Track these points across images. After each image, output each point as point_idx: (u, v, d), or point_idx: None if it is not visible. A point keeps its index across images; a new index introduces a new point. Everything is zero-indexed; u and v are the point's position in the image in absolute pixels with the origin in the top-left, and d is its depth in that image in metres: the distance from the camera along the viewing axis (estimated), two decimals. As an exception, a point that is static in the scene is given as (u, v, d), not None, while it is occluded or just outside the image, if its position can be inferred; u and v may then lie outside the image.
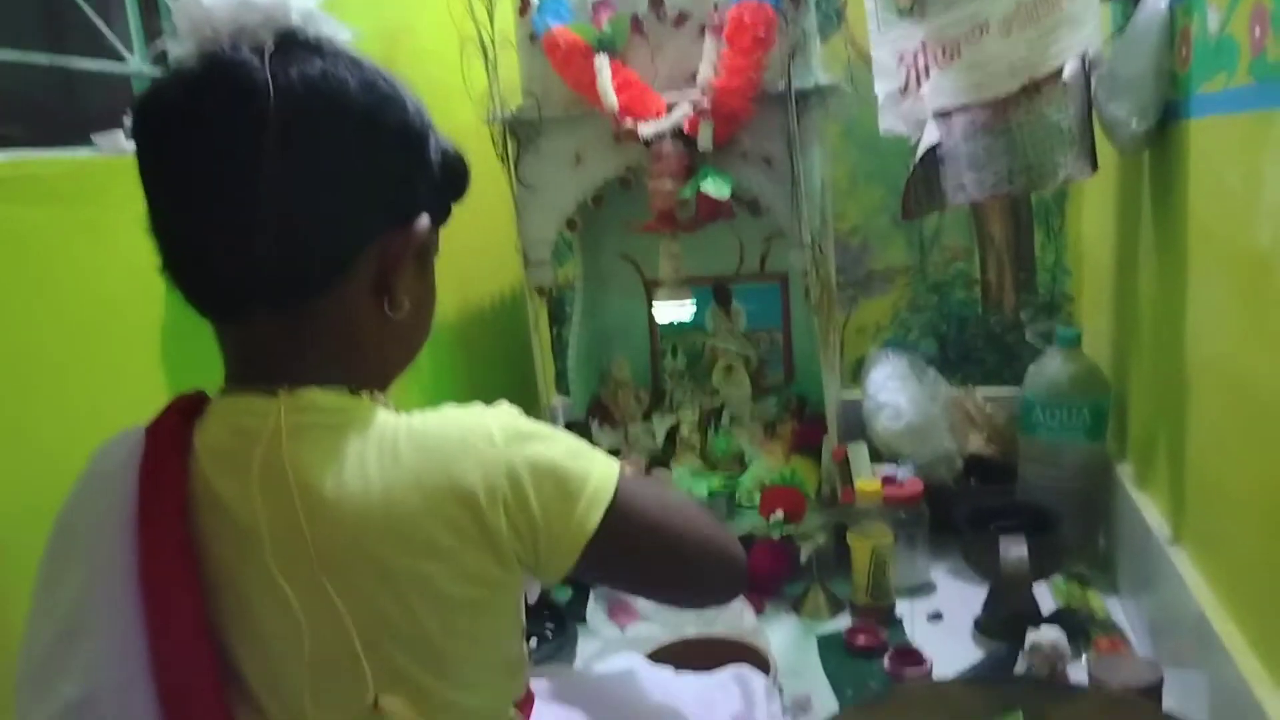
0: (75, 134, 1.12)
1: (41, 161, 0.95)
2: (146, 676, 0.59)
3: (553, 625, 1.55)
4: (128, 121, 1.09)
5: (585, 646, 1.53)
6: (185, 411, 0.66)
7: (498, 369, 2.05)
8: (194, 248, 0.63)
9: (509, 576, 0.64)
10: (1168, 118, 1.28)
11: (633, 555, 0.71)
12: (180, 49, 0.62)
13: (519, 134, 1.71)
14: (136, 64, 1.20)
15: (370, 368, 0.69)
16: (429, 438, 0.64)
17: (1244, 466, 1.05)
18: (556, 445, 0.67)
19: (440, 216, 0.73)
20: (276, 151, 0.59)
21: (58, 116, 1.15)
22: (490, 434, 0.64)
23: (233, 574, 0.62)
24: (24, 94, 1.12)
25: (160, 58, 1.26)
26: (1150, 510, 1.40)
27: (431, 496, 0.61)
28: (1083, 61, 1.36)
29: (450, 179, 0.72)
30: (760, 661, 1.32)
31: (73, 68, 1.12)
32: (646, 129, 1.55)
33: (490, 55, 1.65)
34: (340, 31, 0.65)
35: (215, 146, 0.60)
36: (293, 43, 0.62)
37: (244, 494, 0.61)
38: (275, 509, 0.60)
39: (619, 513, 0.67)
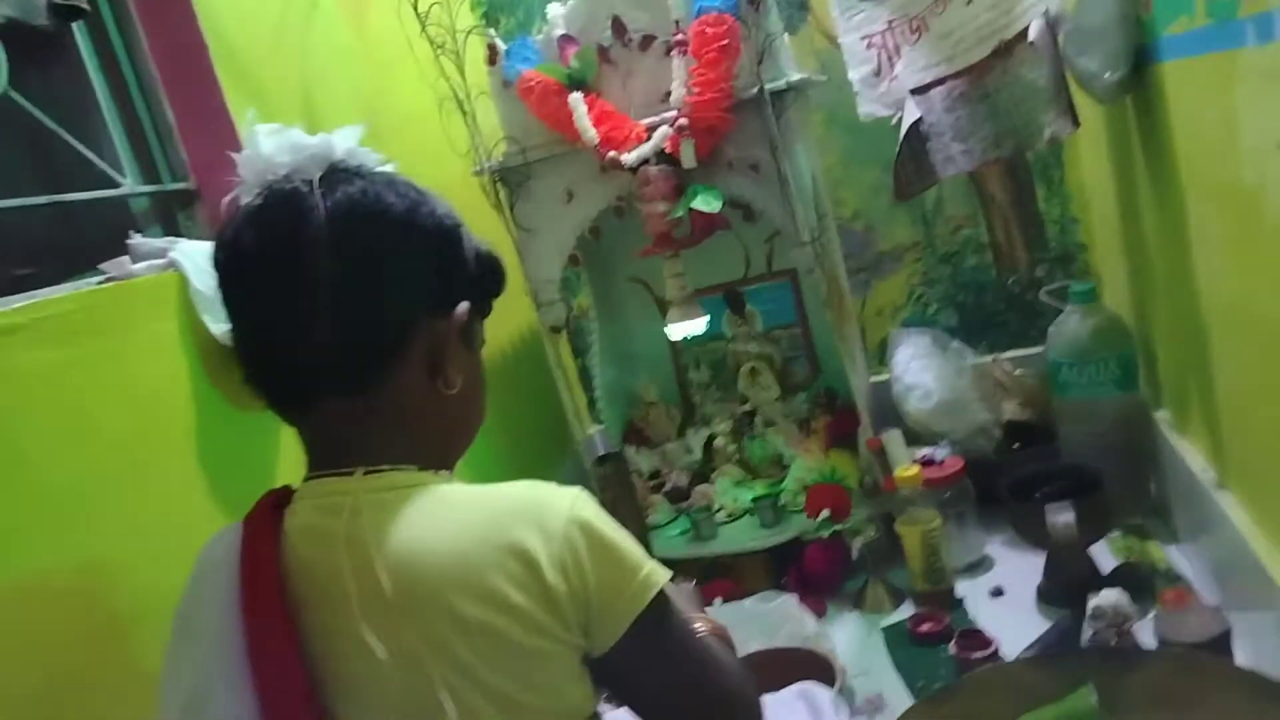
0: (84, 262, 1.17)
1: (56, 300, 0.99)
2: None
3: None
4: (132, 243, 1.15)
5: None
6: (275, 501, 0.74)
7: (529, 408, 2.07)
8: (267, 353, 0.74)
9: (569, 635, 0.69)
10: (1141, 62, 1.27)
11: (666, 657, 0.75)
12: (248, 195, 0.74)
13: (508, 181, 1.74)
14: (130, 185, 1.25)
15: (434, 446, 0.78)
16: (499, 501, 0.71)
17: (1271, 401, 1.04)
18: (619, 533, 0.73)
19: (482, 310, 0.81)
20: (329, 258, 0.69)
21: (66, 250, 1.20)
22: (558, 506, 0.70)
23: (329, 638, 0.68)
24: (32, 235, 1.17)
25: (154, 177, 1.31)
26: (1193, 455, 1.38)
27: (495, 552, 0.67)
28: (1047, 19, 1.36)
29: (486, 275, 0.81)
30: (826, 667, 1.33)
31: (72, 201, 1.16)
32: (629, 157, 1.56)
33: (468, 109, 1.68)
34: (379, 161, 0.77)
35: (278, 261, 0.71)
36: (337, 172, 0.74)
37: (332, 562, 0.68)
38: (359, 573, 0.67)
39: (665, 607, 0.74)
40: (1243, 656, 1.15)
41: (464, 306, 0.77)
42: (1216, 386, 1.23)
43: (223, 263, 0.74)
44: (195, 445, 1.13)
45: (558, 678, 0.70)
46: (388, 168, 0.78)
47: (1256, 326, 1.03)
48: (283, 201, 0.72)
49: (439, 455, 0.79)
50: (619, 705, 0.80)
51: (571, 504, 0.71)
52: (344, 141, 0.76)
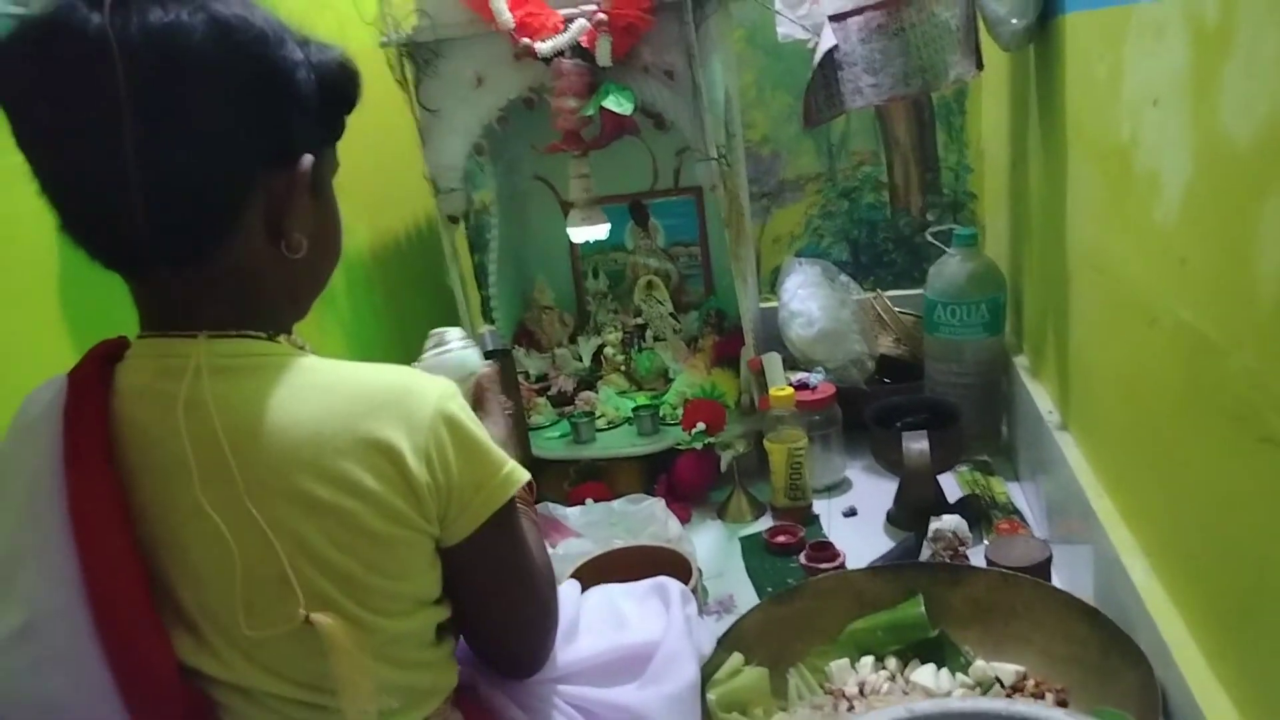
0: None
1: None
2: (84, 602, 0.61)
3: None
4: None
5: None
6: (106, 356, 0.68)
7: (420, 300, 2.04)
8: (80, 213, 0.64)
9: (427, 525, 0.69)
10: (1047, 13, 1.31)
11: (504, 555, 0.76)
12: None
13: (416, 57, 1.67)
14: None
15: (282, 306, 0.72)
16: (364, 385, 0.67)
17: (1113, 355, 1.12)
18: (482, 430, 0.72)
19: (333, 134, 0.73)
20: (128, 108, 0.58)
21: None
22: (426, 397, 0.68)
23: (162, 504, 0.64)
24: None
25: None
26: (1043, 398, 1.48)
27: (355, 441, 0.64)
28: (967, -40, 1.38)
29: (336, 91, 0.71)
30: (684, 567, 1.38)
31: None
32: (544, 46, 1.53)
33: (381, -25, 1.60)
34: None
35: (70, 119, 0.59)
36: None
37: (169, 429, 0.63)
38: (200, 443, 0.62)
39: (516, 508, 0.74)
40: (1059, 580, 1.25)
41: (307, 160, 0.68)
42: (1069, 334, 1.32)
43: (3, 97, 0.61)
44: (59, 288, 1.07)
45: (410, 564, 0.69)
46: None
47: (1105, 277, 1.11)
48: (63, 37, 0.58)
49: (289, 312, 0.74)
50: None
51: (439, 397, 0.68)
52: None
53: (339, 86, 0.71)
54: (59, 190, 0.63)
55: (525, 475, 0.75)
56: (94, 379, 0.66)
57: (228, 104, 0.62)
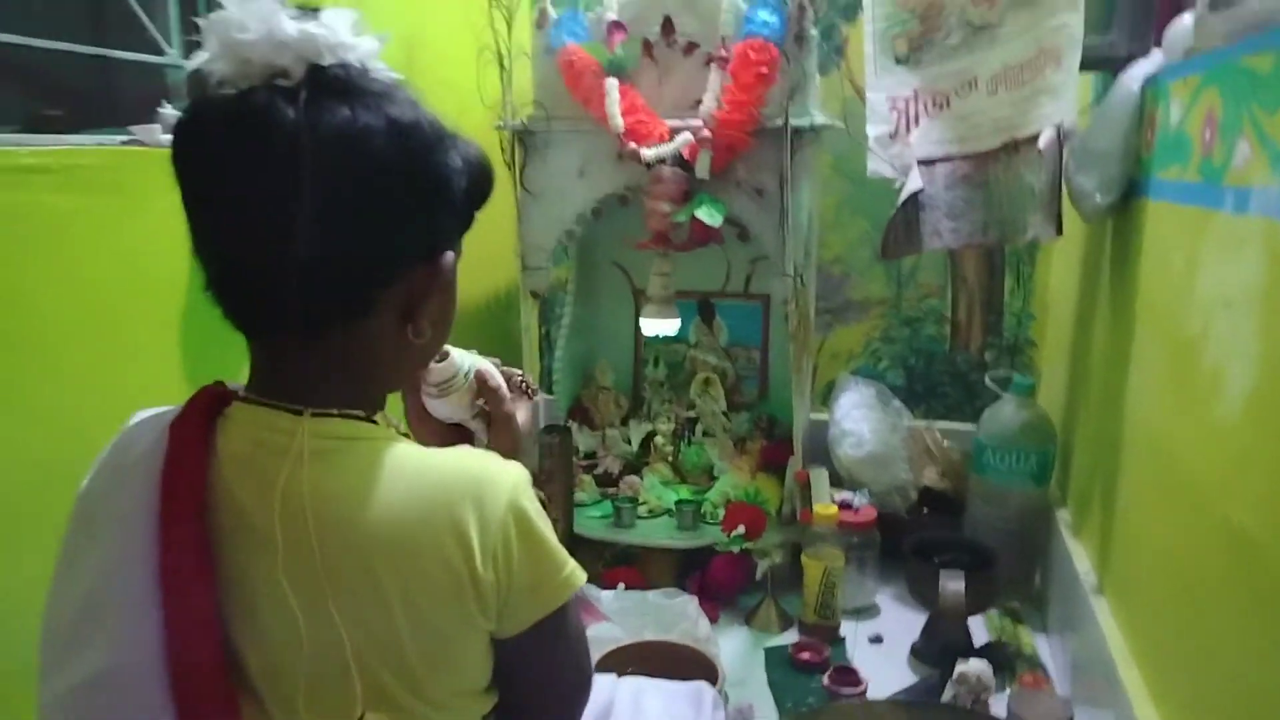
0: (113, 119, 1.19)
1: (84, 151, 1.02)
2: (162, 660, 0.63)
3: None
4: (163, 112, 1.18)
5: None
6: (208, 410, 0.69)
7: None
8: (231, 276, 0.67)
9: (484, 621, 0.69)
10: (1131, 193, 1.38)
11: (555, 652, 0.77)
12: (216, 65, 0.63)
13: (527, 142, 1.79)
14: (174, 56, 1.27)
15: (386, 384, 0.76)
16: (443, 474, 0.68)
17: (1158, 533, 1.15)
18: (547, 527, 0.72)
19: (465, 226, 0.75)
20: (312, 204, 0.62)
21: (98, 102, 1.22)
22: (499, 488, 0.68)
23: (244, 574, 0.66)
24: (66, 80, 1.19)
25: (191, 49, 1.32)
26: (1081, 558, 1.50)
27: (433, 533, 0.66)
28: (1058, 131, 1.45)
29: (474, 190, 0.74)
30: (710, 668, 1.41)
31: (115, 58, 1.18)
32: (649, 153, 1.63)
33: (506, 66, 1.72)
34: (368, 54, 0.67)
35: (251, 189, 0.63)
36: (324, 82, 0.64)
37: (263, 505, 0.65)
38: (290, 525, 0.64)
39: (571, 607, 0.75)
40: (1079, 744, 1.26)
41: (449, 258, 0.72)
42: (1116, 501, 1.35)
43: (185, 165, 0.65)
44: (180, 320, 1.17)
45: (468, 659, 0.71)
46: (376, 48, 0.68)
47: (1160, 456, 1.15)
48: (258, 124, 0.61)
49: (383, 391, 0.76)
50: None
51: (512, 488, 0.69)
52: (330, 38, 0.64)
53: (478, 183, 0.74)
54: (220, 256, 0.66)
55: (583, 577, 0.75)
56: (197, 437, 0.67)
57: (394, 202, 0.67)
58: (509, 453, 0.81)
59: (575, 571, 0.74)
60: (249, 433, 0.68)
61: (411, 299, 0.70)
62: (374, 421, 0.72)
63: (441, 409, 0.87)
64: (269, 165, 0.62)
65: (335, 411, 0.69)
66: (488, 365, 0.91)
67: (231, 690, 0.65)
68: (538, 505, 0.72)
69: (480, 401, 0.89)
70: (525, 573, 0.69)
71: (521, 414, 0.91)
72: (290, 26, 0.63)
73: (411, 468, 0.68)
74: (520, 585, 0.69)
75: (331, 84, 0.64)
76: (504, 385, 0.90)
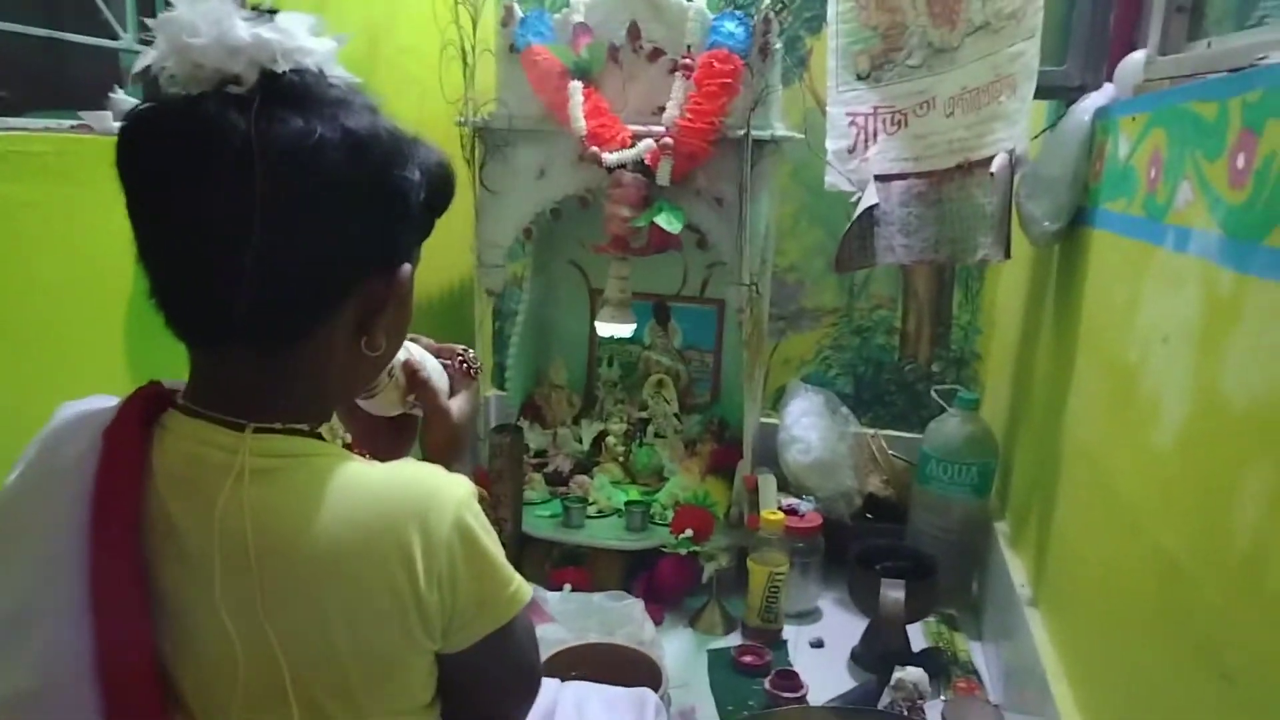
0: (63, 101, 1.16)
1: (32, 138, 0.99)
2: (93, 680, 0.61)
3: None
4: (115, 98, 1.15)
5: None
6: (143, 418, 0.66)
7: (437, 357, 2.11)
8: (177, 287, 0.65)
9: (428, 641, 0.68)
10: (1078, 220, 1.42)
11: (502, 662, 0.76)
12: (165, 64, 0.61)
13: (487, 140, 1.78)
14: (128, 41, 1.23)
15: (333, 397, 0.74)
16: (389, 493, 0.66)
17: (1091, 551, 1.20)
18: (493, 542, 0.71)
19: (423, 234, 0.73)
20: (263, 216, 0.60)
21: (48, 84, 1.18)
22: (445, 507, 0.67)
23: (178, 596, 0.64)
24: (14, 61, 1.15)
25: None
26: (1018, 570, 1.55)
27: (378, 556, 0.64)
28: (1010, 156, 1.49)
29: (435, 195, 0.72)
30: (654, 671, 1.43)
31: (66, 40, 1.15)
32: (610, 157, 1.63)
33: (470, 63, 1.71)
34: (324, 56, 0.65)
35: (200, 202, 0.61)
36: (277, 91, 0.62)
37: (201, 526, 0.63)
38: (229, 546, 0.62)
39: (518, 621, 0.74)
40: (1007, 752, 1.31)
41: (406, 270, 0.70)
42: (1053, 517, 1.39)
43: (131, 168, 0.62)
44: (126, 313, 1.14)
45: (410, 678, 0.69)
46: (331, 53, 0.66)
47: (1097, 476, 1.19)
48: (209, 134, 0.59)
49: (335, 399, 0.74)
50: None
51: (457, 506, 0.67)
52: (285, 43, 0.62)
53: (439, 191, 0.73)
54: (166, 266, 0.64)
55: (529, 592, 0.74)
56: (132, 448, 0.65)
57: (349, 214, 0.65)
58: (444, 447, 0.79)
59: (521, 587, 0.73)
60: (186, 448, 0.66)
61: (366, 312, 0.69)
62: (319, 435, 0.70)
63: (372, 408, 0.84)
64: (219, 177, 0.60)
65: (279, 426, 0.67)
66: (417, 354, 0.86)
67: (164, 711, 0.64)
68: (484, 520, 0.70)
69: (412, 397, 0.86)
70: (471, 591, 0.68)
71: (459, 401, 0.88)
72: (243, 30, 0.60)
73: (356, 488, 0.66)
74: (466, 604, 0.68)
75: (285, 92, 0.62)
76: (435, 376, 0.87)
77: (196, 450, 0.65)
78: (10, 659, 0.63)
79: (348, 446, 0.74)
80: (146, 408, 0.67)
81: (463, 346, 0.92)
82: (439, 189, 0.72)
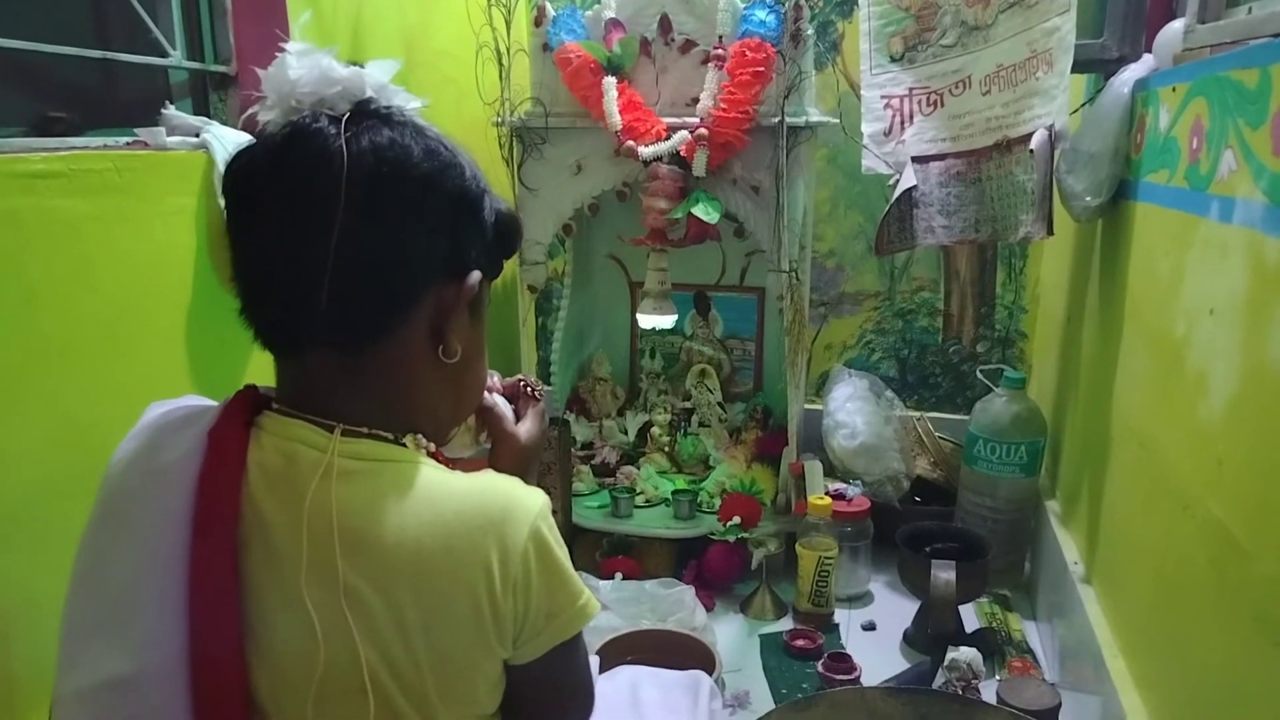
0: (118, 120, 1.20)
1: (94, 156, 1.04)
2: (185, 668, 0.65)
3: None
4: (167, 114, 1.19)
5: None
6: (246, 420, 0.71)
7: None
8: (268, 295, 0.70)
9: (500, 648, 0.70)
10: (1120, 194, 1.40)
11: (565, 673, 0.78)
12: (268, 115, 0.70)
13: (524, 139, 1.80)
14: (177, 58, 1.28)
15: (420, 414, 0.76)
16: (469, 501, 0.69)
17: (1142, 525, 1.19)
18: (565, 556, 0.73)
19: (493, 272, 0.78)
20: (347, 210, 0.65)
21: (103, 104, 1.23)
22: (521, 518, 0.69)
23: (264, 585, 0.67)
24: (70, 81, 1.20)
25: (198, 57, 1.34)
26: (1070, 548, 1.54)
27: (457, 561, 0.67)
28: (1049, 132, 1.48)
29: (502, 237, 0.77)
30: (706, 656, 1.45)
31: (118, 60, 1.19)
32: (646, 150, 1.65)
33: (505, 62, 1.74)
34: (410, 101, 0.73)
35: (294, 204, 0.67)
36: (366, 112, 0.69)
37: (290, 521, 0.66)
38: (315, 541, 0.66)
39: (582, 642, 0.77)
40: (1064, 729, 1.30)
41: (475, 276, 0.74)
42: (1103, 494, 1.38)
43: (232, 192, 0.70)
44: (185, 321, 1.19)
45: (479, 685, 0.71)
46: (416, 106, 0.74)
47: (1146, 453, 1.18)
48: (304, 141, 0.67)
49: (425, 427, 0.77)
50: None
51: (534, 518, 0.70)
52: (376, 77, 0.71)
53: (507, 232, 0.78)
54: (257, 269, 0.70)
55: (598, 607, 0.76)
56: (236, 449, 0.69)
57: (427, 215, 0.70)
58: (514, 470, 0.82)
59: (590, 601, 0.75)
60: (282, 445, 0.69)
61: (439, 315, 0.72)
62: (403, 444, 0.73)
63: (448, 451, 0.89)
64: (310, 175, 0.66)
65: (365, 431, 0.70)
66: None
67: (248, 705, 0.66)
68: (557, 534, 0.73)
69: (483, 435, 0.91)
70: (543, 601, 0.70)
71: (528, 424, 0.93)
72: (340, 69, 0.69)
73: (437, 494, 0.69)
74: (538, 613, 0.71)
75: (375, 113, 0.70)
76: (500, 403, 0.92)
77: (290, 448, 0.69)
78: (112, 644, 0.66)
79: (431, 456, 0.77)
80: (247, 410, 0.71)
81: (523, 376, 0.97)
82: (507, 232, 0.78)
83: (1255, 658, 0.82)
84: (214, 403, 0.74)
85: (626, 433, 2.13)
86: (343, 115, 0.68)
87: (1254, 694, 0.82)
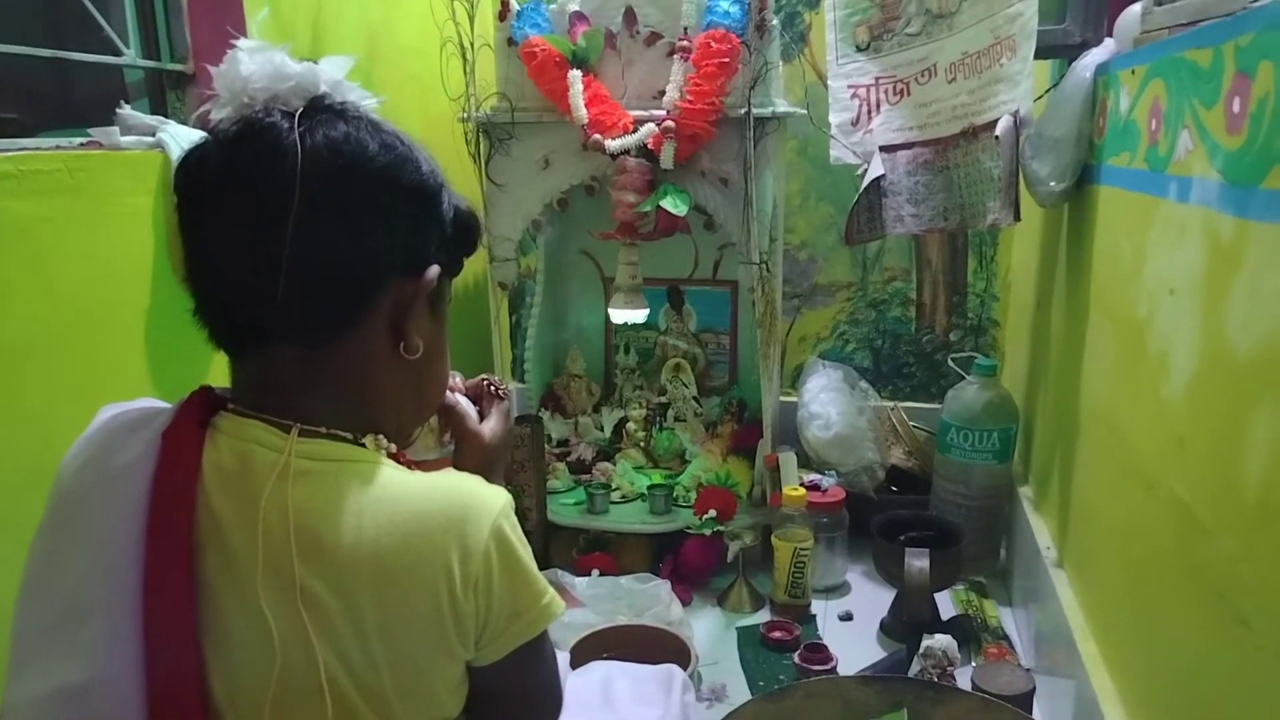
0: (71, 120, 1.19)
1: (45, 156, 1.02)
2: (139, 676, 0.63)
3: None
4: (122, 113, 1.18)
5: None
6: (201, 421, 0.69)
7: (456, 354, 2.13)
8: (223, 293, 0.68)
9: (462, 649, 0.69)
10: (1084, 179, 1.41)
11: (530, 675, 0.77)
12: (221, 112, 0.68)
13: (491, 134, 1.79)
14: (131, 57, 1.26)
15: (381, 413, 0.74)
16: (429, 501, 0.68)
17: (1111, 508, 1.19)
18: (528, 555, 0.72)
19: (452, 269, 0.77)
20: (302, 205, 0.64)
21: (56, 104, 1.21)
22: (483, 518, 0.68)
23: (218, 589, 0.65)
24: (21, 82, 1.18)
25: (163, 64, 1.31)
26: (1042, 533, 1.55)
27: (416, 561, 0.65)
28: (1014, 119, 1.48)
29: (462, 234, 0.77)
30: (682, 651, 1.45)
31: (71, 59, 1.17)
32: (613, 144, 1.64)
33: (469, 57, 1.72)
34: (365, 98, 0.72)
35: (247, 200, 0.65)
36: (320, 108, 0.68)
37: (245, 523, 0.65)
38: (270, 542, 0.64)
39: (548, 642, 0.76)
40: (1039, 712, 1.31)
41: (434, 270, 0.73)
42: (1074, 478, 1.39)
43: (184, 189, 0.68)
44: (145, 322, 1.17)
45: (440, 688, 0.70)
46: (372, 104, 0.72)
47: (1113, 435, 1.19)
48: (257, 136, 0.66)
49: (387, 426, 0.76)
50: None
51: (496, 517, 0.69)
52: (330, 73, 0.70)
53: (466, 229, 0.78)
54: (213, 268, 0.68)
55: (562, 607, 0.75)
56: (191, 450, 0.67)
57: (383, 208, 0.69)
58: (478, 470, 0.81)
59: (554, 600, 0.74)
60: (236, 446, 0.68)
61: (398, 311, 0.71)
62: (362, 444, 0.72)
63: (411, 453, 0.87)
64: (263, 175, 0.65)
65: (324, 431, 0.69)
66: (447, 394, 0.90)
67: (205, 710, 0.65)
68: (520, 533, 0.72)
69: (447, 436, 0.90)
70: (506, 600, 0.69)
71: (492, 422, 0.92)
72: (294, 65, 0.68)
73: (395, 494, 0.68)
74: (500, 613, 0.69)
75: (330, 109, 0.69)
76: (462, 402, 0.91)
77: (246, 448, 0.67)
78: (64, 651, 0.65)
79: (392, 457, 0.76)
80: (202, 410, 0.70)
81: (486, 375, 0.96)
82: (466, 230, 0.78)
83: (1219, 636, 0.82)
84: (168, 405, 0.72)
85: (602, 429, 2.12)
86: (296, 111, 0.67)
87: (1219, 672, 0.83)
